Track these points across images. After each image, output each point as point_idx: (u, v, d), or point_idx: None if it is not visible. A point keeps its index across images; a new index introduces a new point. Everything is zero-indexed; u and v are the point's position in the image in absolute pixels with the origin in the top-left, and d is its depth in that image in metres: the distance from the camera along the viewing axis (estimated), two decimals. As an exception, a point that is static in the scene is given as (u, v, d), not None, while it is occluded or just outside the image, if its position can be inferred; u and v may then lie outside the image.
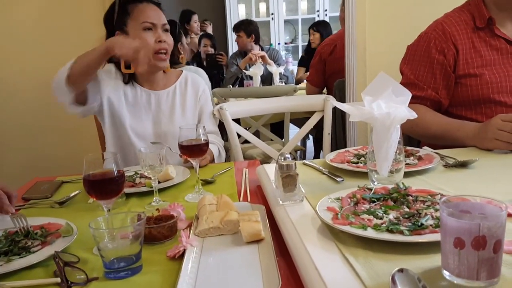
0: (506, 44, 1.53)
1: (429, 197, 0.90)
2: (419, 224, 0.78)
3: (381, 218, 0.82)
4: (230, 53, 6.49)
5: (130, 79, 1.70)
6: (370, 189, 0.97)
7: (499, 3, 1.53)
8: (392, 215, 0.83)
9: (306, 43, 5.33)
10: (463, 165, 1.19)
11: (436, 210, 0.83)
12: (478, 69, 1.52)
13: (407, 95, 1.01)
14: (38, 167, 2.68)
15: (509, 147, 1.30)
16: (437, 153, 1.29)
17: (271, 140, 2.96)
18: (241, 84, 4.43)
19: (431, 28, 1.61)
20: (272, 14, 6.77)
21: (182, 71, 1.84)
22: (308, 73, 4.77)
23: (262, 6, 6.84)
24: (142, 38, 1.56)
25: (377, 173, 1.02)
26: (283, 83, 4.09)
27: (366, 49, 2.50)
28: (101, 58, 1.44)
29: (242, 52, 4.61)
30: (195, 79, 1.83)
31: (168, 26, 1.64)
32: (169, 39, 1.62)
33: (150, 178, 1.25)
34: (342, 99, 2.72)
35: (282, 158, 1.04)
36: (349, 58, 2.49)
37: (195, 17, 5.24)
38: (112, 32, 1.65)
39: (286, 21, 6.89)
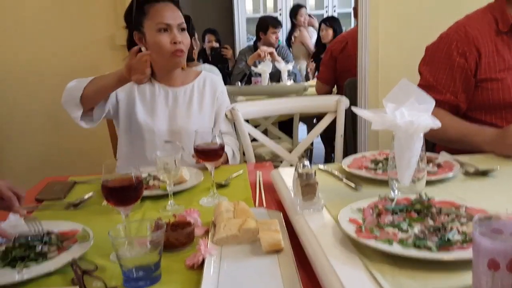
0: None
1: (454, 209, 0.88)
2: (446, 239, 0.76)
3: (406, 232, 0.81)
4: (238, 49, 6.50)
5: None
6: (392, 200, 0.95)
7: None
8: (416, 228, 0.81)
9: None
10: (483, 173, 1.17)
11: (462, 224, 0.81)
12: (500, 73, 1.50)
13: (430, 102, 0.98)
14: (46, 166, 2.67)
15: None
16: (455, 159, 1.27)
17: (279, 138, 2.95)
18: (249, 81, 4.40)
19: (452, 29, 1.58)
20: (280, 9, 6.72)
21: (201, 71, 1.85)
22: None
23: (270, 2, 6.78)
24: (155, 43, 1.56)
25: (398, 181, 1.00)
26: (292, 81, 4.06)
27: (379, 48, 2.47)
28: (116, 84, 1.48)
29: (252, 48, 4.58)
30: (213, 79, 1.83)
31: (184, 25, 1.62)
32: (185, 38, 1.60)
33: (164, 181, 1.23)
34: (353, 98, 2.69)
35: (301, 165, 1.02)
36: (361, 57, 2.46)
37: (303, 11, 5.30)
38: (131, 31, 1.64)
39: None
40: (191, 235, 0.97)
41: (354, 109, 1.03)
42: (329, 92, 3.28)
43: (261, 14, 6.32)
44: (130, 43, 1.65)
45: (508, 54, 1.50)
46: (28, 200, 1.28)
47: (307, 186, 0.97)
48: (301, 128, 4.39)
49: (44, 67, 2.66)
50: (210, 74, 1.86)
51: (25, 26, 2.65)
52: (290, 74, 4.26)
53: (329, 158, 4.12)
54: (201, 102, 1.74)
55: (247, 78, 4.42)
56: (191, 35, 1.88)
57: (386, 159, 1.31)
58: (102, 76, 1.51)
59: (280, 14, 6.71)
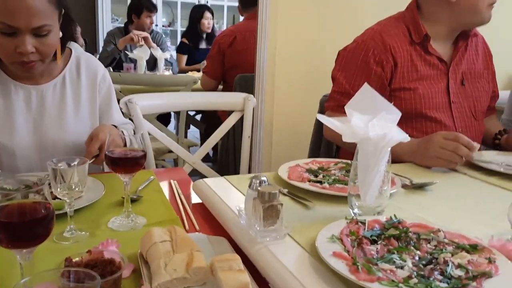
0: (437, 61, 1.55)
1: (432, 234, 0.80)
2: (449, 276, 0.67)
3: (401, 268, 0.69)
4: (101, 31, 5.87)
5: None
6: (362, 223, 0.83)
7: (436, 17, 1.53)
8: (409, 262, 0.71)
9: (185, 28, 5.01)
10: (421, 187, 1.14)
11: (453, 255, 0.73)
12: (413, 83, 1.52)
13: (396, 113, 0.90)
14: None
15: (450, 165, 1.30)
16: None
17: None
18: (119, 67, 3.97)
19: (369, 36, 1.55)
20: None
21: (71, 50, 1.39)
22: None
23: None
24: None
25: (359, 199, 0.89)
26: (170, 71, 3.77)
27: (276, 48, 2.39)
28: None
29: (122, 31, 4.15)
30: (89, 60, 1.40)
31: (48, 27, 1.17)
32: (44, 45, 1.18)
33: (57, 198, 0.92)
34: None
35: (258, 182, 0.84)
36: (260, 54, 2.35)
37: None
38: None
39: (164, 2, 6.47)
40: (118, 282, 0.71)
41: (320, 117, 0.88)
42: (216, 88, 3.11)
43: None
44: None
45: (421, 65, 1.53)
46: None
47: (270, 208, 0.79)
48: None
49: None
50: (83, 53, 1.43)
51: None
52: (167, 63, 3.97)
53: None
54: (77, 99, 1.34)
55: (116, 63, 3.98)
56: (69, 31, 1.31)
57: (321, 168, 1.21)
58: None
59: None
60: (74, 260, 0.71)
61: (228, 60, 3.00)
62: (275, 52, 2.38)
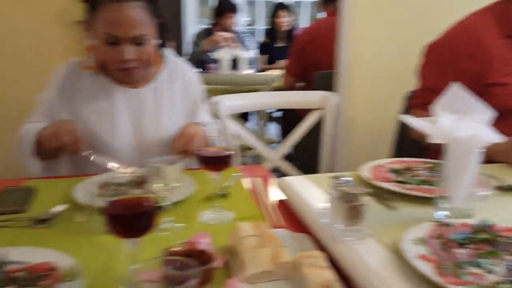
0: None
1: (526, 240, 0.77)
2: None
3: (490, 272, 0.67)
4: (186, 32, 6.15)
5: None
6: (450, 225, 0.82)
7: None
8: (499, 267, 0.69)
9: (267, 27, 5.09)
10: (517, 189, 1.08)
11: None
12: (506, 77, 1.43)
13: (489, 113, 0.87)
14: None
15: None
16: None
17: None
18: (204, 67, 4.15)
19: (458, 30, 1.48)
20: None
21: (162, 55, 1.47)
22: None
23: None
24: (101, 52, 1.32)
25: (448, 201, 0.87)
26: (251, 70, 3.87)
27: (357, 43, 2.36)
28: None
29: (207, 32, 4.32)
30: (179, 64, 1.50)
31: (146, 36, 1.30)
32: (143, 52, 1.32)
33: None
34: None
35: (341, 182, 0.86)
36: (340, 51, 2.33)
37: None
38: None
39: (247, 2, 6.62)
40: (211, 272, 0.77)
41: (404, 118, 0.88)
42: (295, 86, 3.13)
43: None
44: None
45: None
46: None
47: (352, 209, 0.81)
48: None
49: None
50: (177, 59, 1.52)
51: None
52: (248, 62, 4.07)
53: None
54: (172, 100, 1.43)
55: (201, 64, 4.16)
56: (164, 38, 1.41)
57: (407, 168, 1.19)
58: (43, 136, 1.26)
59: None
60: (172, 250, 0.79)
61: (308, 57, 3.00)
62: (356, 48, 2.35)
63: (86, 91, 1.37)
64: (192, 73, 1.51)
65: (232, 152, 1.01)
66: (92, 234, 0.93)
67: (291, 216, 1.04)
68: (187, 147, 1.25)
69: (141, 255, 0.74)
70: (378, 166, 1.19)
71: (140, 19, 1.25)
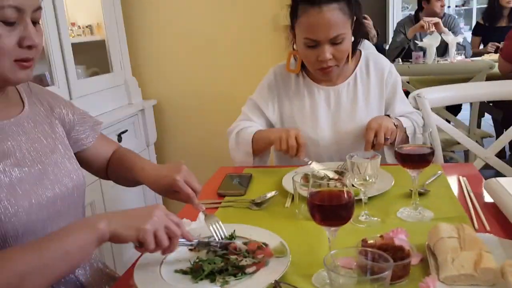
0: None
1: None
2: None
3: None
4: (391, 20, 5.97)
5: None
6: None
7: None
8: None
9: (483, 5, 4.53)
10: None
11: None
12: None
13: None
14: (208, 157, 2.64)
15: None
16: None
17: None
18: (408, 56, 3.97)
19: None
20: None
21: (360, 51, 1.52)
22: (488, 45, 4.06)
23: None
24: (301, 54, 1.44)
25: None
26: (462, 56, 3.53)
27: None
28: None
29: (413, 19, 4.13)
30: (377, 59, 1.51)
31: (342, 36, 1.36)
32: (338, 51, 1.38)
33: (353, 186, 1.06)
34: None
35: None
36: None
37: None
38: None
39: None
40: (407, 267, 0.79)
41: None
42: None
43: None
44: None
45: None
46: (207, 194, 1.25)
47: None
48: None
49: (207, 48, 2.64)
50: (371, 53, 1.54)
51: (188, 8, 2.64)
52: (459, 48, 3.73)
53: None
54: (367, 95, 1.47)
55: (405, 52, 3.99)
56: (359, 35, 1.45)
57: None
58: (260, 137, 1.44)
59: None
60: (369, 242, 0.84)
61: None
62: None
63: (290, 91, 1.51)
64: (387, 66, 1.51)
65: (432, 150, 0.98)
66: (297, 219, 1.06)
67: (500, 220, 0.96)
68: (377, 137, 1.30)
69: (339, 243, 0.81)
70: None
71: (338, 21, 1.31)
